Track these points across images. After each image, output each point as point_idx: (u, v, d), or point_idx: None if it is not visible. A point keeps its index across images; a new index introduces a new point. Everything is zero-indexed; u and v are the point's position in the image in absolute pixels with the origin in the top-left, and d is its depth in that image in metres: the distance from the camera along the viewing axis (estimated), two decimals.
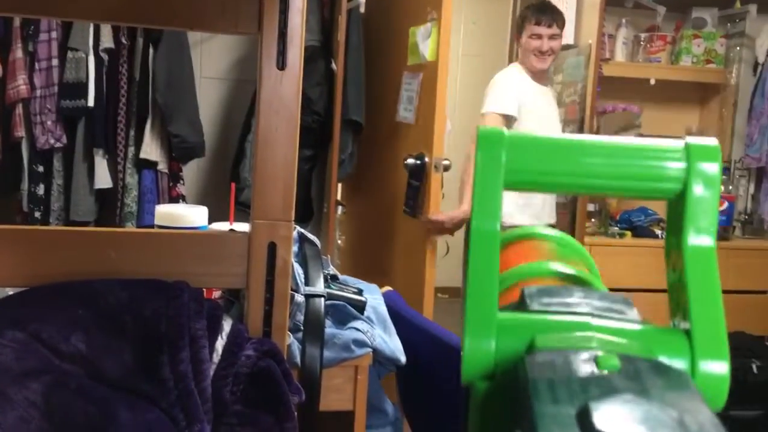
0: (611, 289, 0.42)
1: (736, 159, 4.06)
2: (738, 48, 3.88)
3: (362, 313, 1.30)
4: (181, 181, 3.23)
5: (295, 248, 1.26)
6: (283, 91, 1.06)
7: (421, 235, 2.77)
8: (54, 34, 2.91)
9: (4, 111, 2.94)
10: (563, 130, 2.74)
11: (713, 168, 0.39)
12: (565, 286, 0.38)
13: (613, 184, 0.36)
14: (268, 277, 1.09)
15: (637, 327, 0.34)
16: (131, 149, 3.06)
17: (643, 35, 3.87)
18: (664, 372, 0.28)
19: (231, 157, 3.38)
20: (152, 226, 1.45)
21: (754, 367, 3.04)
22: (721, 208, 3.82)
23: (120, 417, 0.85)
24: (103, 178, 3.02)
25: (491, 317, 0.32)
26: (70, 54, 2.92)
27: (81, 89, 2.93)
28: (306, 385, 1.10)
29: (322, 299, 1.22)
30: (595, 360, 0.29)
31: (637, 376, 0.28)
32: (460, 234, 2.76)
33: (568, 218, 3.46)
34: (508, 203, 2.58)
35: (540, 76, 2.83)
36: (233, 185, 1.56)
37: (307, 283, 1.24)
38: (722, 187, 3.96)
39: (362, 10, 3.33)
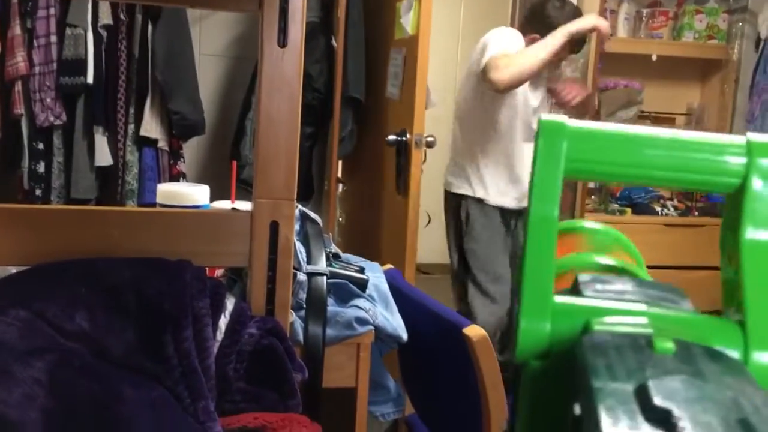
0: None
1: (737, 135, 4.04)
2: (740, 24, 3.85)
3: (364, 291, 1.31)
4: (182, 159, 3.22)
5: (297, 227, 1.26)
6: (285, 68, 1.05)
7: (405, 213, 2.75)
8: (52, 11, 2.89)
9: (3, 88, 2.92)
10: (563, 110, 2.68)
11: None
12: (618, 276, 0.39)
13: (673, 176, 0.37)
14: (270, 256, 1.10)
15: (690, 315, 0.34)
16: (131, 127, 3.05)
17: (645, 11, 3.84)
18: (718, 357, 0.29)
19: (231, 135, 3.37)
20: (153, 204, 1.45)
21: None
22: None
23: (124, 394, 0.86)
24: (103, 156, 3.01)
25: (547, 300, 0.33)
26: (68, 30, 2.90)
27: (80, 66, 2.91)
28: (309, 362, 1.11)
29: (325, 278, 1.23)
30: (650, 343, 0.29)
31: (692, 359, 0.28)
32: (441, 209, 2.74)
33: (570, 195, 3.46)
34: (497, 181, 2.55)
35: None
36: (234, 163, 1.56)
37: (309, 262, 1.25)
38: None
39: None
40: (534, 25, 2.52)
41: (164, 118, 3.08)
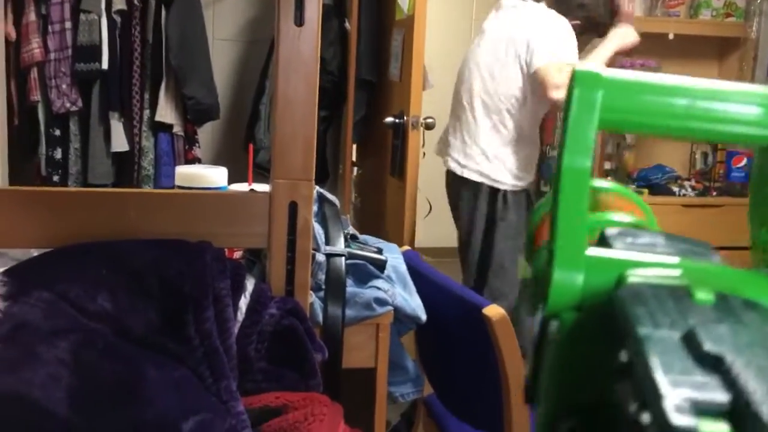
0: None
1: None
2: (758, 1, 3.79)
3: (382, 272, 1.31)
4: (197, 144, 3.23)
5: (314, 208, 1.26)
6: (302, 47, 1.05)
7: (402, 196, 2.73)
8: None
9: (19, 75, 2.94)
10: None
11: None
12: (646, 230, 0.38)
13: (711, 127, 0.36)
14: (289, 237, 1.10)
15: (724, 268, 0.34)
16: (146, 112, 3.06)
17: None
18: (757, 308, 0.29)
19: (245, 120, 3.37)
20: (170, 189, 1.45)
21: None
22: (740, 165, 3.78)
23: (148, 374, 0.86)
24: (119, 142, 3.02)
25: (581, 251, 0.33)
26: (82, 16, 2.91)
27: (95, 52, 2.92)
28: (328, 343, 1.11)
29: (343, 258, 1.23)
30: (689, 293, 0.29)
31: (732, 309, 0.28)
32: (442, 194, 2.69)
33: None
34: (514, 167, 2.52)
35: None
36: (251, 146, 1.56)
37: (327, 243, 1.25)
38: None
39: None
40: (562, 6, 2.49)
41: (179, 103, 3.08)
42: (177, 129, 3.11)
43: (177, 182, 1.30)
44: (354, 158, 3.48)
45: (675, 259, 0.34)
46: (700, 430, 0.22)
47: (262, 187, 1.38)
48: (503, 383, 1.34)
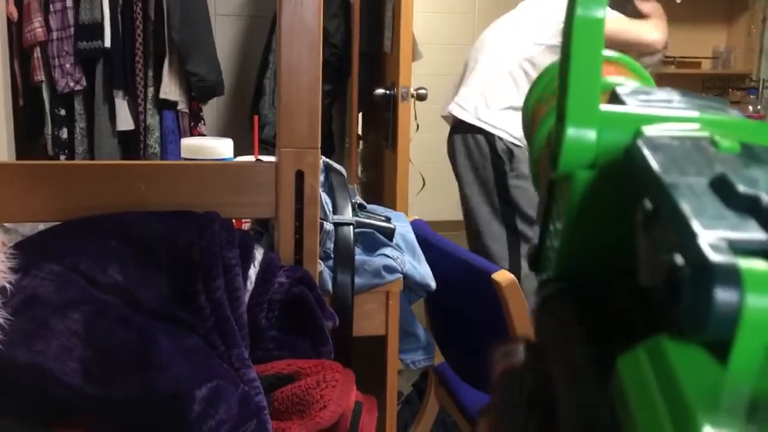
0: None
1: (765, 78, 3.96)
2: None
3: (391, 240, 1.30)
4: (202, 121, 3.22)
5: (321, 178, 1.25)
6: (305, 14, 1.04)
7: (395, 168, 2.72)
8: None
9: (22, 55, 2.93)
10: None
11: None
12: (658, 87, 0.36)
13: None
14: (297, 206, 1.10)
15: (744, 120, 0.32)
16: (150, 90, 3.05)
17: None
18: None
19: (250, 95, 3.35)
20: None
21: None
22: None
23: (160, 343, 0.87)
24: (124, 120, 3.02)
25: (594, 106, 0.31)
26: None
27: (97, 30, 2.90)
28: (339, 310, 1.12)
29: (351, 227, 1.23)
30: (713, 143, 0.28)
31: (759, 157, 0.27)
32: (436, 169, 2.69)
33: None
34: (506, 119, 2.53)
35: None
36: (256, 118, 1.55)
37: (335, 212, 1.24)
38: (750, 107, 3.89)
39: None
40: None
41: (183, 80, 3.07)
42: (182, 106, 3.10)
43: (183, 155, 1.29)
44: (360, 132, 3.47)
45: (694, 113, 0.32)
46: (739, 266, 0.21)
47: (269, 160, 1.38)
48: None
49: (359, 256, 1.24)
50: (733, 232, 0.22)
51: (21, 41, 2.90)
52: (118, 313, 0.90)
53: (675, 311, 0.22)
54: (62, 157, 2.99)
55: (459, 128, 2.62)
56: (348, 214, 1.24)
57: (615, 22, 2.40)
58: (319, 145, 1.09)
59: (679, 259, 0.22)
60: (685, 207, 0.23)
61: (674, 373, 0.21)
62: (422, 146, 2.85)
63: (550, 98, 0.44)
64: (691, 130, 0.29)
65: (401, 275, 1.26)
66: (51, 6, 2.89)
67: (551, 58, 2.50)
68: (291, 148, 1.08)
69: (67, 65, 2.92)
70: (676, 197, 0.24)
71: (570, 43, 0.31)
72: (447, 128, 2.81)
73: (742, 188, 0.24)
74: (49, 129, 3.00)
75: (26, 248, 0.94)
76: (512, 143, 2.55)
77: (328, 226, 1.21)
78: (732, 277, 0.21)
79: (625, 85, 0.36)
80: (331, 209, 1.25)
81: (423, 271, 1.32)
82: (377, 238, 1.28)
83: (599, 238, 0.31)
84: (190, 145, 1.31)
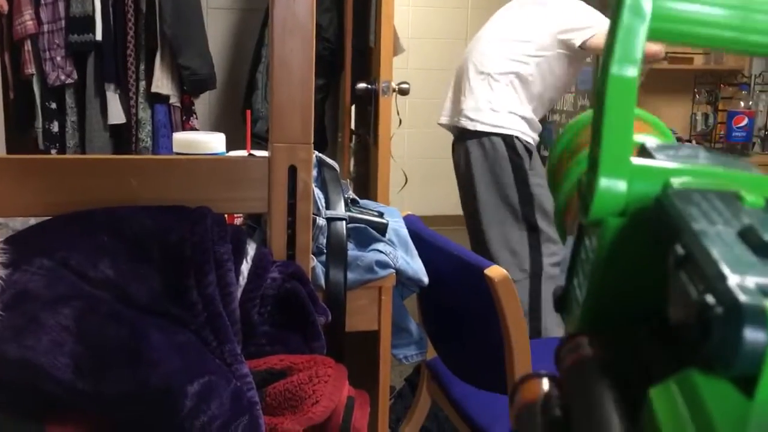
0: None
1: (756, 74, 3.98)
2: None
3: (384, 236, 1.30)
4: (194, 115, 3.21)
5: (314, 173, 1.25)
6: (297, 8, 1.03)
7: (377, 163, 2.71)
8: None
9: (12, 48, 2.91)
10: None
11: None
12: (683, 143, 0.39)
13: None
14: (289, 201, 1.09)
15: (766, 177, 0.34)
16: (142, 83, 3.04)
17: None
18: None
19: (242, 89, 3.34)
20: None
21: None
22: (741, 124, 3.76)
23: (152, 338, 0.87)
24: (116, 114, 3.00)
25: (626, 159, 0.33)
26: None
27: (88, 23, 2.88)
28: (331, 306, 1.11)
29: (344, 222, 1.22)
30: (739, 197, 0.30)
31: None
32: (418, 166, 2.69)
33: None
34: (517, 121, 2.57)
35: None
36: (249, 112, 1.55)
37: (327, 207, 1.24)
38: (741, 103, 3.90)
39: None
40: None
41: (175, 74, 3.06)
42: (173, 100, 3.09)
43: (175, 149, 1.29)
44: (353, 126, 3.46)
45: (720, 169, 0.34)
46: (766, 307, 0.22)
47: (261, 154, 1.37)
48: (506, 344, 1.35)
49: (352, 251, 1.24)
50: (761, 277, 0.24)
51: (11, 34, 2.87)
52: (110, 308, 0.89)
53: (705, 347, 0.24)
54: (53, 151, 2.98)
55: (471, 134, 2.65)
56: (341, 210, 1.24)
57: None
58: (312, 140, 1.09)
59: (710, 299, 0.23)
60: (716, 252, 0.25)
61: (704, 404, 0.23)
62: (406, 141, 2.83)
63: (575, 149, 0.47)
64: (717, 184, 0.32)
65: (394, 270, 1.26)
66: None
67: (546, 67, 2.54)
68: (284, 143, 1.08)
69: (58, 58, 2.90)
70: (707, 243, 0.26)
71: (604, 100, 0.33)
72: (434, 123, 2.81)
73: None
74: (39, 122, 2.98)
75: (17, 243, 0.93)
76: (529, 143, 2.60)
77: (321, 222, 1.21)
78: (760, 317, 0.23)
79: (652, 140, 0.38)
80: (323, 204, 1.24)
81: (416, 267, 1.32)
82: (370, 233, 1.28)
83: (626, 280, 0.33)
84: (182, 139, 1.30)
